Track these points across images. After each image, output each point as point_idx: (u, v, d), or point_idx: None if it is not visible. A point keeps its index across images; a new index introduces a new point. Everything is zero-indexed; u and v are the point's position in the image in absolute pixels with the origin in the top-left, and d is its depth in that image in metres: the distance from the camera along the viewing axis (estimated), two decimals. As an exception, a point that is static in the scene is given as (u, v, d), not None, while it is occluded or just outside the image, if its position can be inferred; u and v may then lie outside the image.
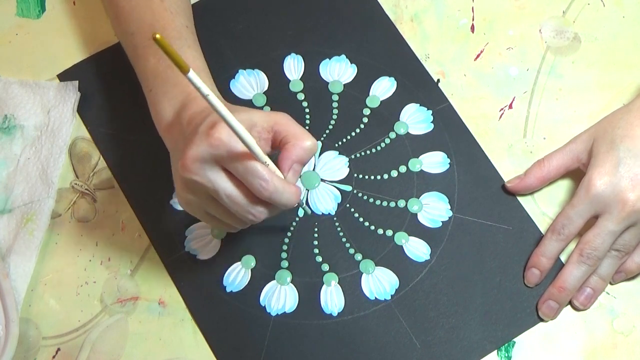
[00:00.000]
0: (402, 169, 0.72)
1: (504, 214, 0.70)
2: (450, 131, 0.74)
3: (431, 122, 0.74)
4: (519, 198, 0.71)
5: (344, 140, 0.73)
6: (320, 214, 0.71)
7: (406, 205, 0.71)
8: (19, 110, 0.74)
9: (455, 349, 0.66)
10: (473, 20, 0.78)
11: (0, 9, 0.79)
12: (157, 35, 0.48)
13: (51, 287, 0.70)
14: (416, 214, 0.71)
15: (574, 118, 0.75)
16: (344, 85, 0.75)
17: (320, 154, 0.73)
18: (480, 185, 0.71)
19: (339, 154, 0.73)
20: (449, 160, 0.72)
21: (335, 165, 0.73)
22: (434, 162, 0.72)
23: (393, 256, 0.69)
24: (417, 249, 0.70)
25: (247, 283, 0.69)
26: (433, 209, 0.71)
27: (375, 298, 0.68)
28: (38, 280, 0.70)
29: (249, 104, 0.75)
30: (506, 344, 0.67)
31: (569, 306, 0.68)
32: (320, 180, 0.72)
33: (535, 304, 0.68)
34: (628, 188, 0.65)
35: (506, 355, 0.67)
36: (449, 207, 0.71)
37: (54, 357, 0.68)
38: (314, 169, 0.72)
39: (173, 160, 0.62)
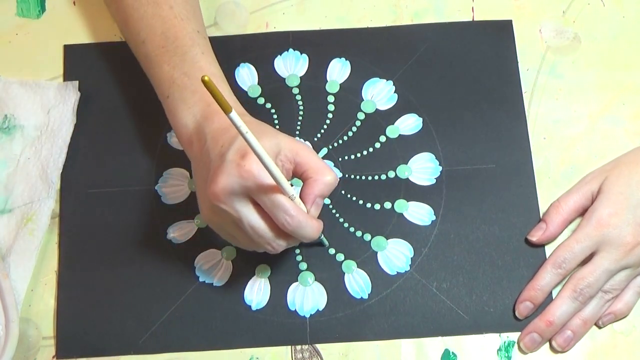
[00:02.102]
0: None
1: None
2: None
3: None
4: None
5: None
6: None
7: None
8: (19, 110, 0.74)
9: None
10: (473, 20, 0.78)
11: (0, 9, 0.79)
12: (206, 78, 0.50)
13: (51, 287, 0.70)
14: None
15: (574, 118, 0.75)
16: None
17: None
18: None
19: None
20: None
21: None
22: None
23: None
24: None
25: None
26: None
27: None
28: (38, 280, 0.70)
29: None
30: (506, 344, 0.68)
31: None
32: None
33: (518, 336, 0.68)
34: (632, 232, 0.66)
35: (506, 355, 0.67)
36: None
37: (54, 357, 0.68)
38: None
39: (196, 174, 0.63)
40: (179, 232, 0.71)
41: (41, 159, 0.73)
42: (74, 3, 0.79)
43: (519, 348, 0.67)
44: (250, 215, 0.59)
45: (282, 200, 0.58)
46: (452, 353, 0.68)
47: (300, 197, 0.61)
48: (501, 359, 0.67)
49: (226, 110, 0.52)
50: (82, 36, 0.78)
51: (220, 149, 0.60)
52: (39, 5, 0.79)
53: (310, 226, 0.60)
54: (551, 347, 0.67)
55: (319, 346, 0.68)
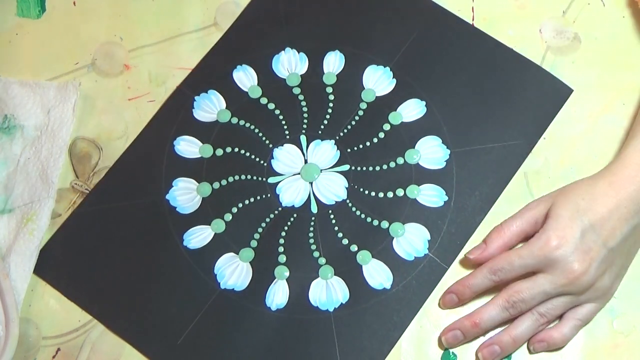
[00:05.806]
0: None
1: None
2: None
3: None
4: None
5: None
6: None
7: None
8: (19, 110, 0.74)
9: None
10: (473, 20, 0.78)
11: (0, 9, 0.79)
12: None
13: (51, 287, 0.70)
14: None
15: (574, 118, 0.75)
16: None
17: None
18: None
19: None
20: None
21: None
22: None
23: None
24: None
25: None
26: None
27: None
28: (38, 280, 0.70)
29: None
30: (506, 344, 0.68)
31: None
32: (320, 170, 0.73)
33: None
34: (578, 260, 0.64)
35: (506, 355, 0.67)
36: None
37: (54, 357, 0.68)
38: (306, 162, 0.73)
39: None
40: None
41: (41, 159, 0.73)
42: (74, 3, 0.79)
43: (439, 340, 0.67)
44: None
45: None
46: (452, 353, 0.68)
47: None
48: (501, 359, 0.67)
49: None
50: (82, 36, 0.78)
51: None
52: (39, 5, 0.79)
53: None
54: (477, 358, 0.67)
55: (319, 346, 0.68)
